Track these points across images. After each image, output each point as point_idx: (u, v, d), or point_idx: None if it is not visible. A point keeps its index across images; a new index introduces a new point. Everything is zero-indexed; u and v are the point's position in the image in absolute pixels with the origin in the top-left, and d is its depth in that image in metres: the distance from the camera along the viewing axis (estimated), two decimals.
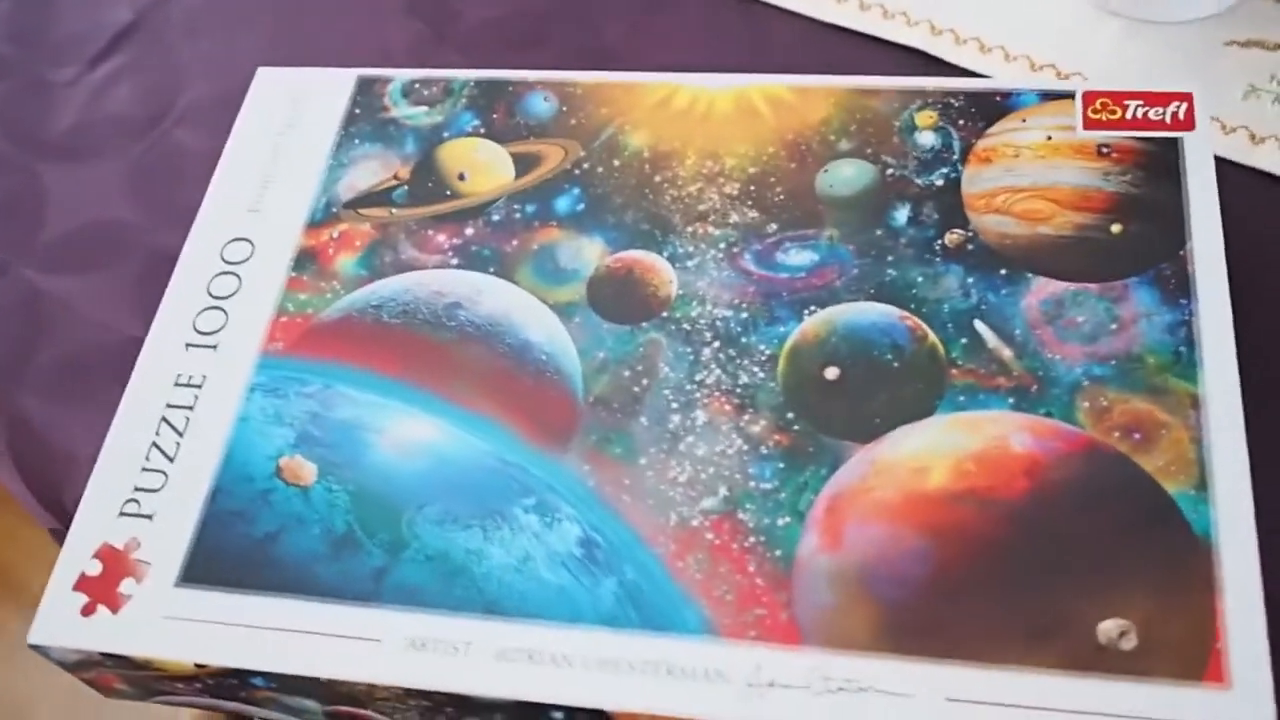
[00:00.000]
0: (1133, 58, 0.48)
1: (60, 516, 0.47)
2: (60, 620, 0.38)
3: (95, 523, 0.39)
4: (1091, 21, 0.49)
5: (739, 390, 0.38)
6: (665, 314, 0.40)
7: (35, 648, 0.38)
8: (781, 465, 0.37)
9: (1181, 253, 0.38)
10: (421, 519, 0.37)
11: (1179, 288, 0.38)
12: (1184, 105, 0.41)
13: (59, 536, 0.49)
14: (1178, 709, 0.32)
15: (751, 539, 0.36)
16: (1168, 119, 0.41)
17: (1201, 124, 0.41)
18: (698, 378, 0.39)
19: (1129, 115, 0.41)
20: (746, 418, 0.38)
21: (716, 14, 0.53)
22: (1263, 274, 0.43)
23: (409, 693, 0.35)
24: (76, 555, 0.39)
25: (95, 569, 0.38)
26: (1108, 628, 0.33)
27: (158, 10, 0.57)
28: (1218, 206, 0.39)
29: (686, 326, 0.40)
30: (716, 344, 0.39)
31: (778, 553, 0.35)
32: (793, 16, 0.52)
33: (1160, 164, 0.40)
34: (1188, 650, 0.33)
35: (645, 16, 0.53)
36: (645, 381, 0.39)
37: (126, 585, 0.38)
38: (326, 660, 0.36)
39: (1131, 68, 0.48)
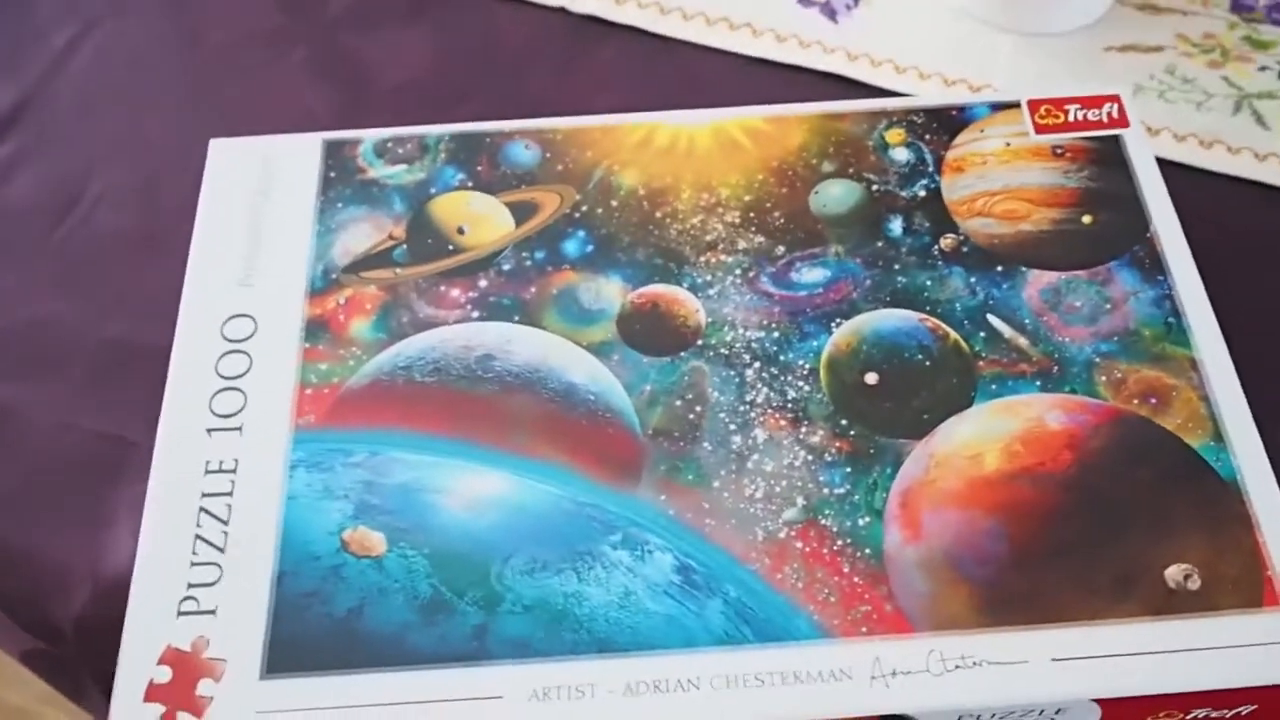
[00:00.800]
0: (1031, 68, 0.53)
1: (46, 635, 0.44)
2: None
3: (151, 628, 0.37)
4: (988, 38, 0.54)
5: (790, 405, 0.40)
6: (700, 342, 0.41)
7: None
8: (849, 469, 0.39)
9: (1147, 235, 0.43)
10: (510, 571, 0.37)
11: (1154, 266, 0.42)
12: (1115, 106, 0.46)
13: (32, 660, 0.46)
14: (1248, 634, 0.36)
15: (839, 542, 0.38)
16: (1104, 119, 0.46)
17: (1134, 121, 0.46)
18: (748, 398, 0.40)
19: (1071, 118, 0.46)
20: (804, 429, 0.40)
21: (637, 57, 0.54)
22: None
23: None
24: (138, 665, 0.36)
25: (164, 676, 0.36)
26: (1174, 573, 0.37)
27: (46, 89, 0.54)
28: (1166, 192, 0.44)
29: (724, 351, 0.41)
30: (757, 365, 0.41)
31: (866, 550, 0.37)
32: (712, 53, 0.54)
33: (1108, 158, 0.45)
34: (1244, 582, 0.37)
35: (565, 64, 0.54)
36: (698, 408, 0.40)
37: (204, 686, 0.36)
38: None
39: (1031, 76, 0.53)
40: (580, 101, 0.53)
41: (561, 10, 0.56)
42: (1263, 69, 0.53)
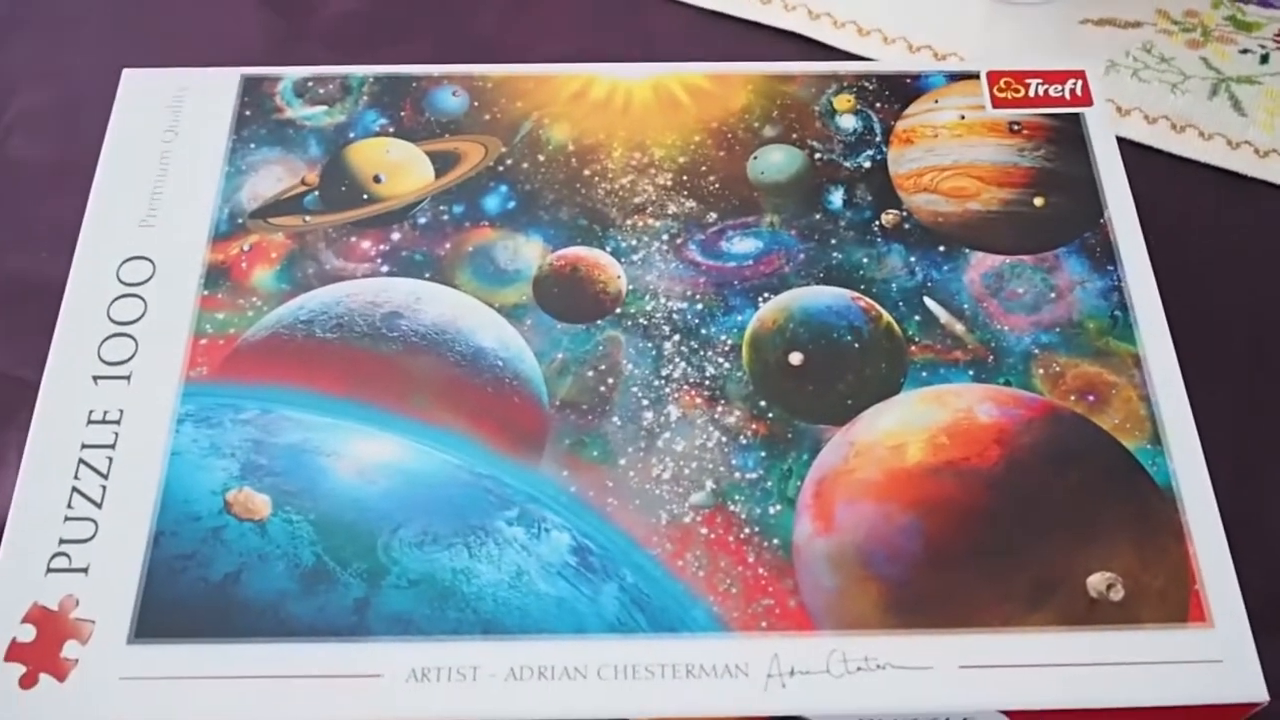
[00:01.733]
0: (1000, 38, 0.51)
1: None
2: None
3: (18, 583, 0.35)
4: (959, 4, 0.51)
5: (707, 382, 0.38)
6: (619, 310, 0.39)
7: None
8: (763, 454, 0.37)
9: (1101, 221, 0.41)
10: (398, 542, 0.35)
11: (1104, 255, 0.40)
12: (1079, 83, 0.43)
13: None
14: (1171, 651, 0.34)
15: (746, 530, 0.36)
16: (1067, 95, 0.43)
17: (1099, 99, 0.43)
18: (664, 373, 0.38)
19: (1032, 93, 0.43)
20: (720, 409, 0.37)
21: (587, 5, 0.52)
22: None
23: None
24: (2, 622, 0.34)
25: (28, 634, 0.34)
26: (1096, 581, 0.35)
27: None
28: (1124, 176, 0.42)
29: (643, 321, 0.39)
30: (676, 337, 0.39)
31: (774, 541, 0.35)
32: (670, 4, 0.52)
33: (1067, 138, 0.42)
34: (1170, 595, 0.35)
35: (517, 6, 0.52)
36: (610, 380, 0.38)
37: (70, 648, 0.34)
38: (324, 703, 0.33)
39: (1001, 47, 0.50)
40: (527, 48, 0.51)
41: None
42: (1244, 52, 0.51)
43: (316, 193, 0.41)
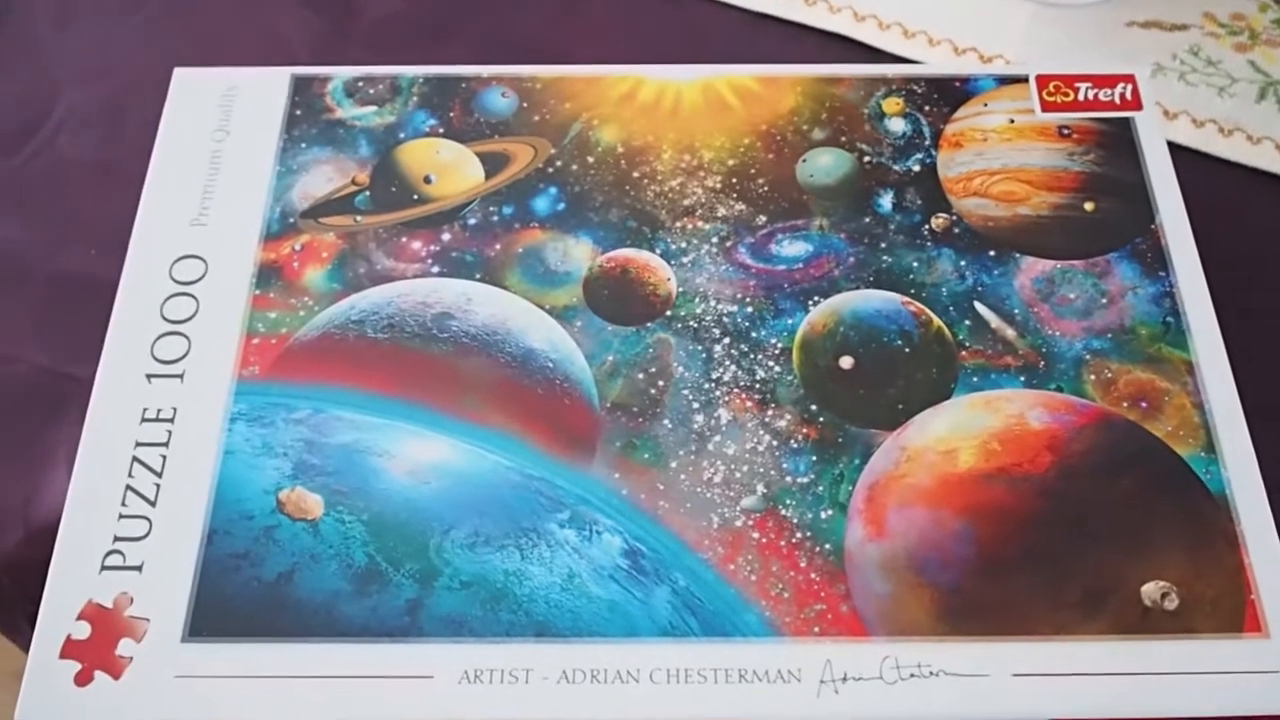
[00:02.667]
0: (1046, 40, 0.50)
1: None
2: (52, 693, 0.34)
3: (73, 580, 0.35)
4: (1004, 5, 0.51)
5: (758, 386, 0.38)
6: (669, 313, 0.39)
7: None
8: (814, 458, 0.37)
9: (1152, 226, 0.40)
10: (450, 544, 0.35)
11: (1156, 260, 0.40)
12: (1129, 86, 0.43)
13: None
14: (1226, 661, 0.34)
15: (798, 534, 0.36)
16: (1117, 99, 0.43)
17: (1149, 103, 0.43)
18: (714, 375, 0.38)
19: (1081, 97, 0.43)
20: (771, 412, 0.37)
21: (635, 6, 0.52)
22: None
23: None
24: (57, 619, 0.35)
25: (83, 631, 0.35)
26: (1150, 590, 0.35)
27: (15, 4, 0.52)
28: (1175, 181, 0.41)
29: (693, 324, 0.39)
30: (727, 340, 0.39)
31: (826, 546, 0.35)
32: (717, 5, 0.51)
33: (1117, 142, 0.42)
34: (1225, 605, 0.35)
35: (559, 6, 0.52)
36: (661, 383, 0.38)
37: (125, 646, 0.34)
38: (376, 703, 0.33)
39: (1046, 49, 0.50)
40: (570, 48, 0.50)
41: None
42: None
43: (367, 193, 0.41)
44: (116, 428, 0.37)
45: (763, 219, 0.41)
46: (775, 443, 0.37)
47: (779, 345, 0.38)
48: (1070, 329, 0.39)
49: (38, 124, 0.49)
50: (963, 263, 0.40)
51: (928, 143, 0.42)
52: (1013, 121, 0.42)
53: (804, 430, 0.37)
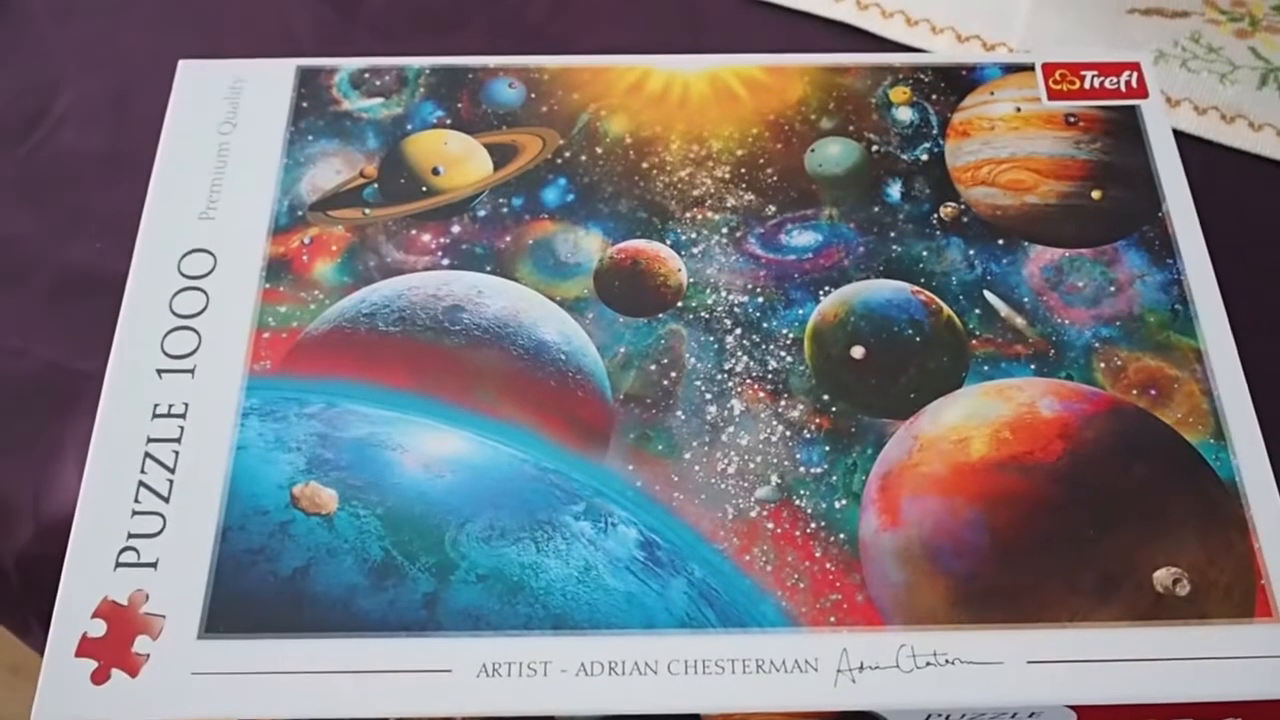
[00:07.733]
0: (1049, 27, 0.50)
1: None
2: (69, 692, 0.34)
3: (88, 578, 0.35)
4: None
5: (770, 376, 0.38)
6: (680, 304, 0.39)
7: None
8: (828, 448, 0.37)
9: (1160, 214, 0.41)
10: (466, 537, 0.35)
11: (1164, 248, 0.40)
12: (1134, 75, 0.43)
13: None
14: (1238, 646, 0.34)
15: (812, 525, 0.36)
16: (1122, 87, 0.43)
17: (1154, 92, 0.43)
18: (726, 366, 0.38)
19: (1087, 85, 0.43)
20: (783, 403, 0.38)
21: None
22: None
23: None
24: (73, 617, 0.35)
25: (99, 629, 0.34)
26: (1162, 576, 0.35)
27: None
28: (1182, 169, 0.42)
29: (704, 315, 0.39)
30: (739, 331, 0.39)
31: (841, 535, 0.36)
32: None
33: (1123, 130, 0.42)
34: (1236, 590, 0.35)
35: None
36: (674, 374, 0.38)
37: (141, 644, 0.34)
38: (394, 698, 0.33)
39: (1049, 37, 0.50)
40: (579, 39, 0.50)
41: None
42: None
43: (375, 185, 0.41)
44: (128, 424, 0.37)
45: (772, 209, 0.41)
46: (788, 433, 0.37)
47: (790, 335, 0.39)
48: (1079, 317, 0.39)
49: (42, 115, 0.48)
50: (971, 252, 0.40)
51: (935, 131, 0.42)
52: (1019, 110, 0.43)
53: (817, 420, 0.37)
